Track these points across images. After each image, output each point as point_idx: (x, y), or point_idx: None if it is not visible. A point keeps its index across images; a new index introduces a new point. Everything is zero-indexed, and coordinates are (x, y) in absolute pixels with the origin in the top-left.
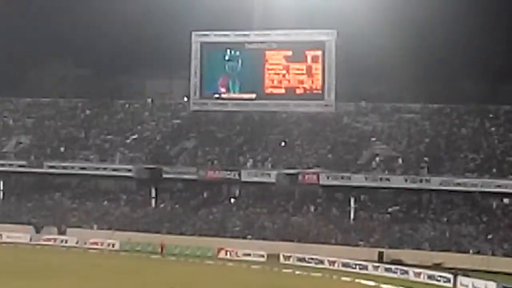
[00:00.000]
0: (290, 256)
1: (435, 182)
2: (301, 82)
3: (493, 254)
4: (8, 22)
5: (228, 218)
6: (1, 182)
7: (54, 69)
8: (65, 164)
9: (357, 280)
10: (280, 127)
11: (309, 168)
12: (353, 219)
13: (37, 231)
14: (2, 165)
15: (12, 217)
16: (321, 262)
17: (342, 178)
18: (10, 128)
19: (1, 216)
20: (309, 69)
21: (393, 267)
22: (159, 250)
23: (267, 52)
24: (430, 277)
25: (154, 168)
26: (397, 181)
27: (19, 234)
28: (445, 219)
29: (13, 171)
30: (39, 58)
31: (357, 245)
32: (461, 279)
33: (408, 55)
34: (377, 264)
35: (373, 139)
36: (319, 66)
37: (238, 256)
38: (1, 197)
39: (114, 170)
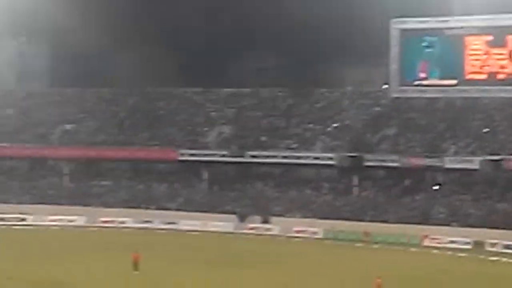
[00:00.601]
0: (496, 243)
1: None
2: (503, 67)
3: None
4: (210, 15)
5: (432, 205)
6: (206, 173)
7: (255, 59)
8: (267, 154)
9: None
10: (482, 113)
11: None
12: None
13: (241, 220)
14: (206, 155)
15: (216, 206)
16: None
17: None
18: (212, 118)
19: (206, 205)
20: (511, 54)
21: None
22: (363, 238)
23: (466, 38)
24: None
25: (356, 156)
26: None
27: (224, 223)
28: None
29: (216, 161)
30: (240, 49)
31: None
32: None
33: None
34: None
35: None
36: None
37: (443, 244)
38: (207, 186)
39: (316, 158)
